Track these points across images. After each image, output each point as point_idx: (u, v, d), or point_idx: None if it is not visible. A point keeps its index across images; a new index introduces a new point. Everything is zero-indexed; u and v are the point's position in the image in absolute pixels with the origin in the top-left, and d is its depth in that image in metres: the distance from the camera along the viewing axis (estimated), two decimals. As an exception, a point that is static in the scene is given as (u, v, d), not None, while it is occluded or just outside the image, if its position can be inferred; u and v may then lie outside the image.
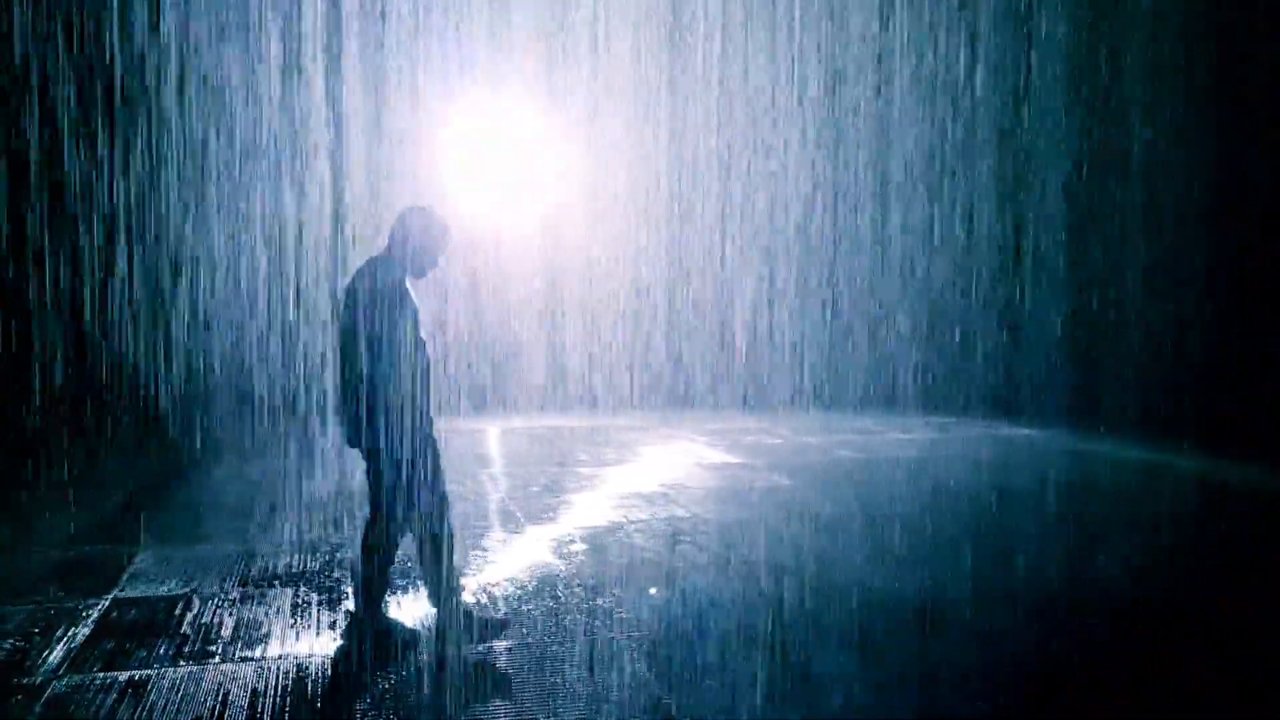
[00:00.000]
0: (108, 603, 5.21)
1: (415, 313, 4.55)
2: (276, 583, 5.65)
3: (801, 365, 13.47)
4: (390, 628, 4.87)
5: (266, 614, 5.10)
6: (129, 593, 5.40)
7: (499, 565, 6.07)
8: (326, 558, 6.19)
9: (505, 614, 4.99)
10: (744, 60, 13.17)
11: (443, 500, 4.68)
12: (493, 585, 5.66)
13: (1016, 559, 6.38)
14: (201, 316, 10.13)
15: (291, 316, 10.88)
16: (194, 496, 7.94)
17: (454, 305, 12.33)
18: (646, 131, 13.18)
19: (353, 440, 4.54)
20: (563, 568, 6.03)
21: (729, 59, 13.15)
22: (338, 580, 5.72)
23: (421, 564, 4.77)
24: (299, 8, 10.97)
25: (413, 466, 4.51)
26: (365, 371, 4.40)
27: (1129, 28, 11.54)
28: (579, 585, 5.65)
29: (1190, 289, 11.27)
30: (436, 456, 4.68)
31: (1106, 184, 11.94)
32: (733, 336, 13.50)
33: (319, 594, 5.46)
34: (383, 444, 4.46)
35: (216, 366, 10.15)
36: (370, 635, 4.72)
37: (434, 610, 4.83)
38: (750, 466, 9.40)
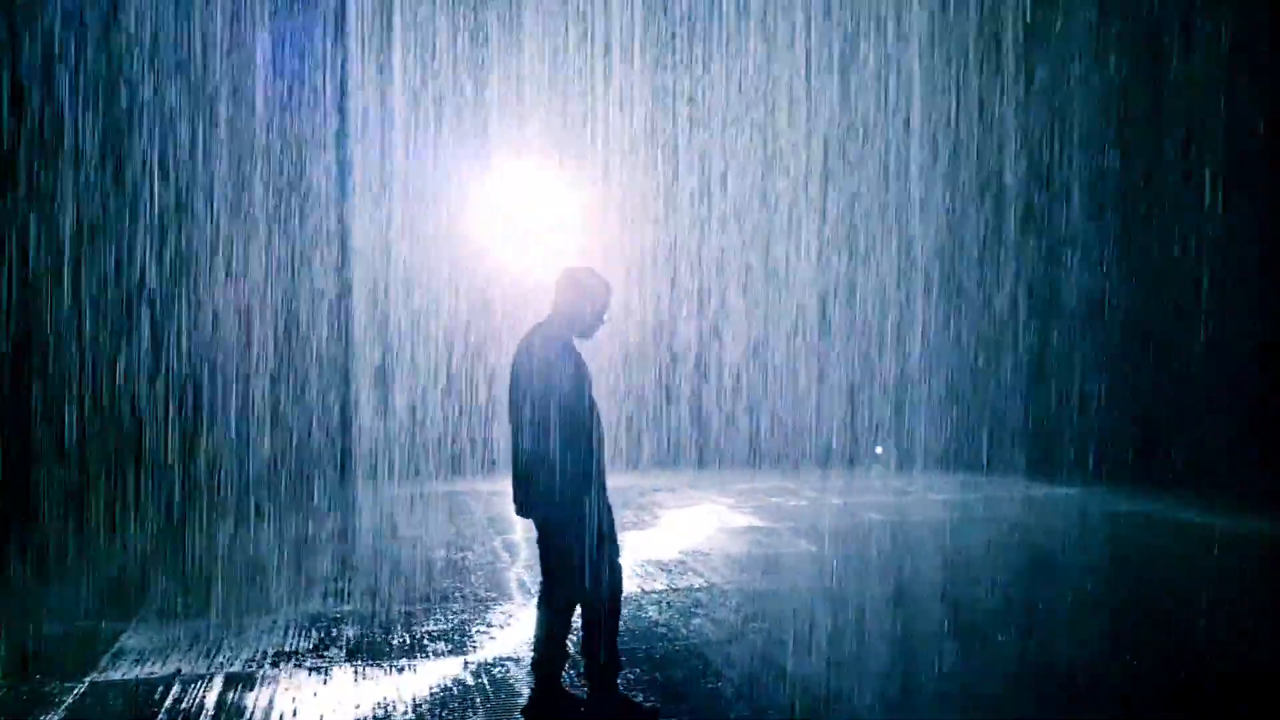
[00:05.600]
0: (85, 686, 4.92)
1: (588, 378, 4.44)
2: (266, 662, 5.34)
3: (826, 422, 13.08)
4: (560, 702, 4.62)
5: (253, 699, 4.79)
6: (109, 675, 5.10)
7: (500, 643, 5.72)
8: (323, 634, 5.88)
9: (655, 703, 4.75)
10: (770, 105, 12.99)
11: (613, 569, 4.54)
12: (491, 666, 5.32)
13: (1057, 640, 5.95)
14: (203, 369, 9.90)
15: (305, 375, 10.69)
16: (193, 564, 7.67)
17: (472, 361, 12.10)
18: (673, 186, 12.99)
19: (521, 508, 4.45)
20: (570, 645, 5.67)
21: (757, 101, 12.98)
22: (331, 659, 5.41)
23: (584, 632, 4.62)
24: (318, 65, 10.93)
25: (581, 535, 4.38)
26: (532, 440, 4.32)
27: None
28: (586, 666, 5.28)
29: (1248, 328, 10.72)
30: (609, 524, 4.54)
31: (1148, 207, 11.51)
32: (759, 392, 13.15)
33: (311, 674, 5.15)
34: (550, 513, 4.37)
35: (222, 426, 9.91)
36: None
37: (587, 684, 4.65)
38: (774, 531, 9.01)
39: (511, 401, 4.46)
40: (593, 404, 4.45)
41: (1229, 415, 10.66)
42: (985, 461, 12.40)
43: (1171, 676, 5.22)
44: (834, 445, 13.00)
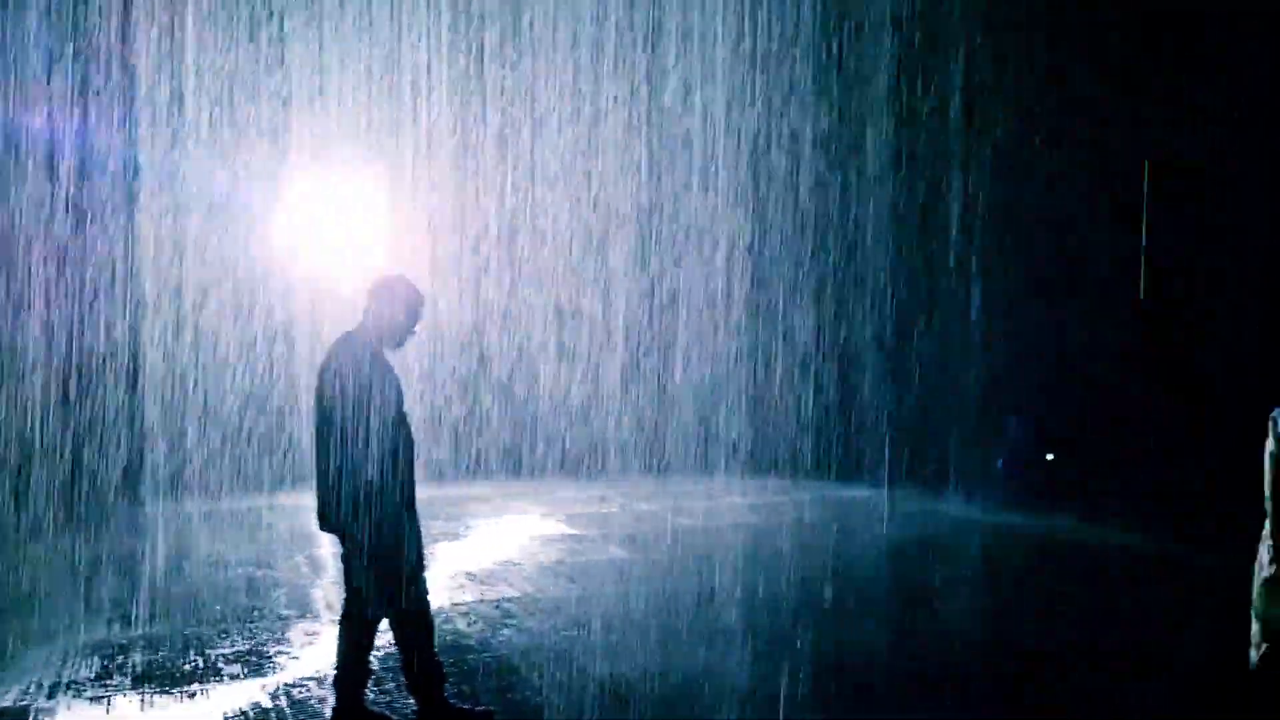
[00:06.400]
0: None
1: (396, 387, 4.35)
2: (41, 694, 4.98)
3: (638, 429, 13.30)
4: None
5: (24, 735, 4.47)
6: None
7: (302, 662, 5.55)
8: (107, 661, 5.53)
9: (489, 705, 4.71)
10: (588, 108, 13.12)
11: (420, 583, 4.46)
12: (292, 686, 5.15)
13: (852, 629, 6.28)
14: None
15: (88, 387, 10.00)
16: (17, 581, 7.06)
17: (279, 372, 11.65)
18: (481, 193, 12.92)
19: (326, 523, 4.33)
20: (374, 662, 5.56)
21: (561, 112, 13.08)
22: (115, 688, 5.09)
23: (400, 650, 4.53)
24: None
25: (389, 549, 4.29)
26: (339, 452, 4.20)
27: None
28: (391, 683, 5.17)
29: (1028, 335, 11.56)
30: (417, 537, 4.45)
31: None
32: (574, 401, 13.24)
33: (91, 704, 4.84)
34: (356, 527, 4.24)
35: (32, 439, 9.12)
36: None
37: (414, 699, 4.58)
38: (587, 538, 9.10)
39: (317, 412, 4.35)
40: (403, 415, 4.40)
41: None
42: (793, 467, 12.93)
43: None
44: (644, 452, 13.23)
